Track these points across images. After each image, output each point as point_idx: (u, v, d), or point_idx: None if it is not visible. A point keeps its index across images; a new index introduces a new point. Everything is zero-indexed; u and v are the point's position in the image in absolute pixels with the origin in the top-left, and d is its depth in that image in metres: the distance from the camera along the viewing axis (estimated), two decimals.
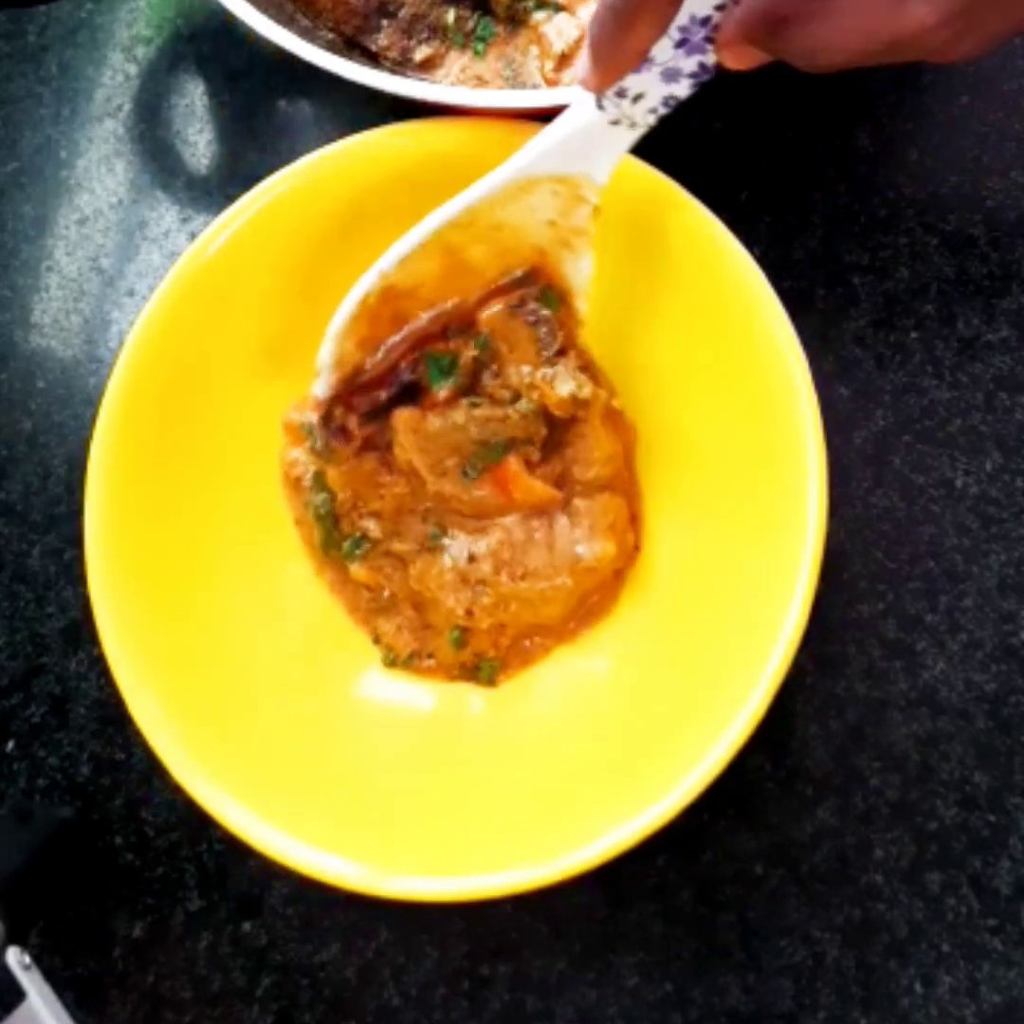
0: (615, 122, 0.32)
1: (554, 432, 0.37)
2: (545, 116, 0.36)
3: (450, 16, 0.43)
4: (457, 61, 0.43)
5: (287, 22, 0.38)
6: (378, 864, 0.32)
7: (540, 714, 0.37)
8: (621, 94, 0.32)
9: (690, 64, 0.31)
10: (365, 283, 0.35)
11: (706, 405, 0.37)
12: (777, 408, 0.34)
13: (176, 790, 0.33)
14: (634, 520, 0.38)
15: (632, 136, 0.33)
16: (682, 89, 0.31)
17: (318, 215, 0.38)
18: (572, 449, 0.37)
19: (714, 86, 0.37)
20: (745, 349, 0.35)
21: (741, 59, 0.30)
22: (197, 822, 0.38)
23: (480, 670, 0.37)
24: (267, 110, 0.47)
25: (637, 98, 0.32)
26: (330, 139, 0.37)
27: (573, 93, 0.33)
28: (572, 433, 0.37)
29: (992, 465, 0.40)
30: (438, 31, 0.43)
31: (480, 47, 0.42)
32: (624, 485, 0.38)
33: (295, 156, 0.37)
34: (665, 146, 0.36)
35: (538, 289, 0.36)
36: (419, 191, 0.38)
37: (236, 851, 0.36)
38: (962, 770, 0.37)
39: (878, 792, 0.37)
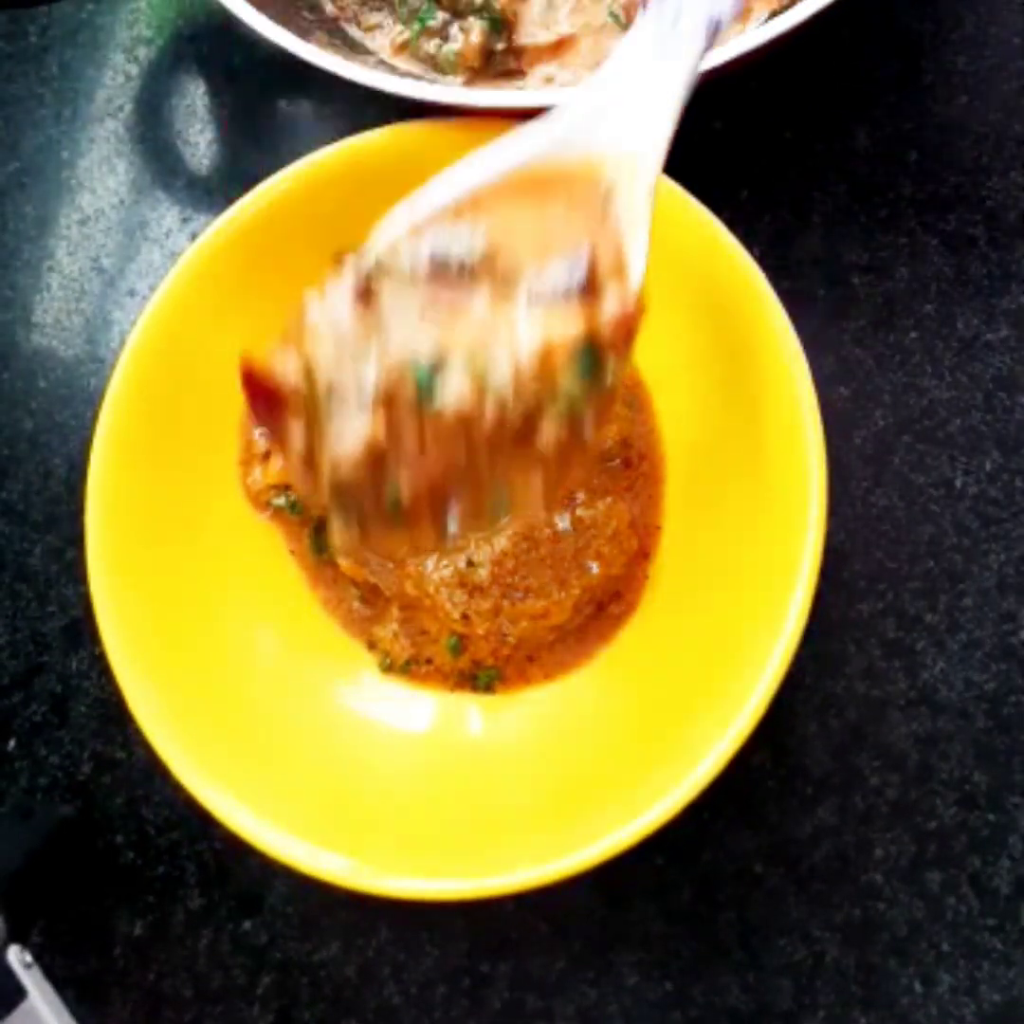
0: (658, 55, 0.29)
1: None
2: None
3: None
4: (390, 34, 0.44)
5: (287, 22, 0.38)
6: (378, 863, 0.32)
7: (540, 714, 0.37)
8: (659, 8, 0.29)
9: None
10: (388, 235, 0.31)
11: (705, 405, 0.37)
12: (777, 408, 0.34)
13: (177, 789, 0.33)
14: (634, 524, 0.38)
15: (679, 79, 0.29)
16: (726, 3, 0.28)
17: (318, 215, 0.38)
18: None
19: (714, 86, 0.37)
20: (745, 349, 0.35)
21: None
22: (198, 821, 0.38)
23: (478, 678, 0.37)
24: (267, 110, 0.47)
25: (676, 18, 0.29)
26: (330, 139, 0.37)
27: (572, 93, 0.33)
28: None
29: (992, 465, 0.40)
30: (389, 2, 0.44)
31: (417, 28, 0.43)
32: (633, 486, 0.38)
33: (295, 156, 0.37)
34: None
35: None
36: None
37: (236, 850, 0.36)
38: (962, 770, 0.37)
39: (878, 791, 0.37)
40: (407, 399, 0.27)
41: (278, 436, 0.30)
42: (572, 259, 0.29)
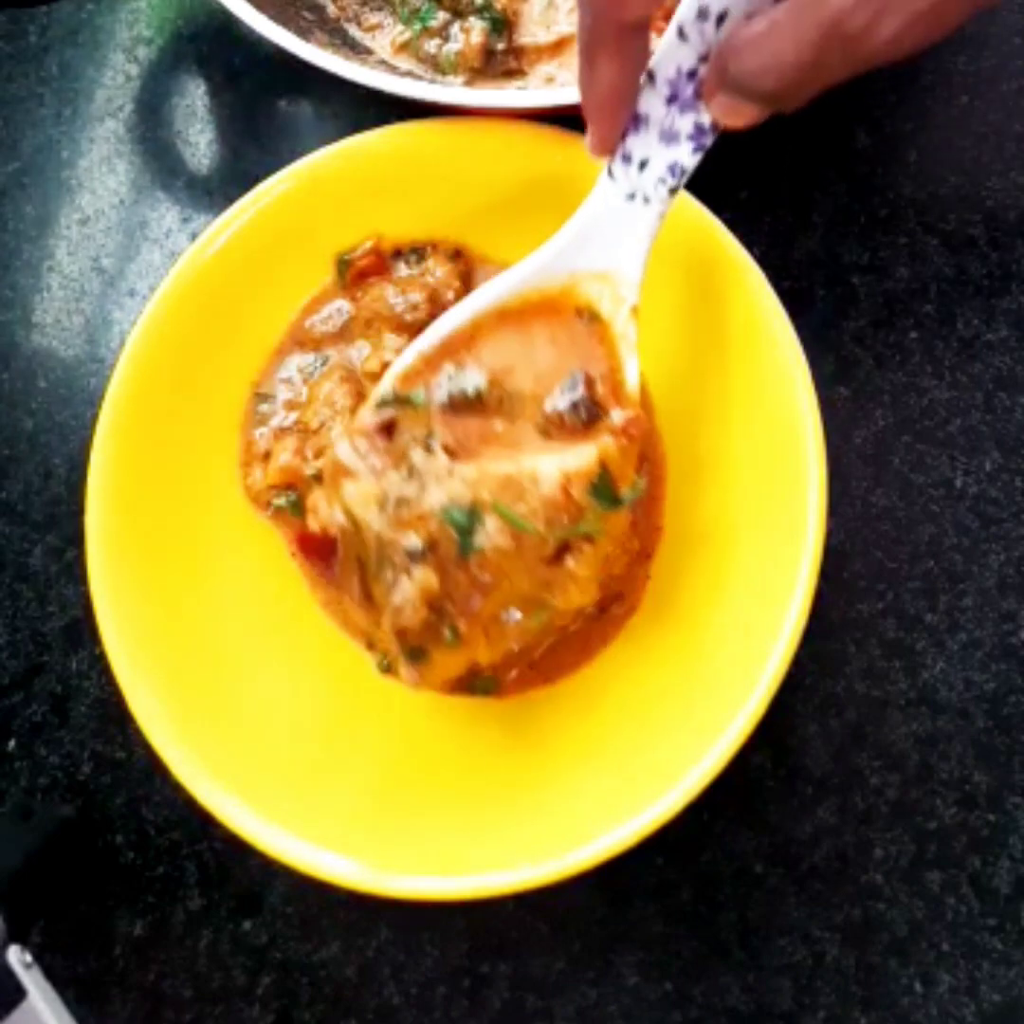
0: (631, 196, 0.32)
1: None
2: (545, 116, 0.36)
3: None
4: (391, 34, 0.44)
5: (287, 22, 0.38)
6: (378, 863, 0.32)
7: (540, 714, 0.37)
8: (626, 159, 0.32)
9: (686, 124, 0.31)
10: (401, 362, 0.35)
11: (705, 404, 0.37)
12: (777, 408, 0.34)
13: (177, 789, 0.33)
14: (636, 524, 0.38)
15: (651, 217, 0.32)
16: (685, 155, 0.31)
17: (318, 215, 0.38)
18: None
19: None
20: (745, 349, 0.35)
21: (729, 112, 0.29)
22: (198, 821, 0.38)
23: (476, 686, 0.37)
24: (267, 110, 0.47)
25: (643, 165, 0.32)
26: (330, 139, 0.37)
27: (572, 92, 0.33)
28: None
29: (992, 465, 0.40)
30: (390, 2, 0.44)
31: (417, 28, 0.43)
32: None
33: (295, 156, 0.37)
34: None
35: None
36: (419, 191, 0.38)
37: (236, 850, 0.36)
38: (962, 770, 0.37)
39: (878, 791, 0.37)
40: (450, 548, 0.32)
41: (336, 580, 0.35)
42: (570, 387, 0.33)
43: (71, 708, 0.41)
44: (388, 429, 0.34)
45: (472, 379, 0.34)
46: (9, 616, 0.42)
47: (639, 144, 0.31)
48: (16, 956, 0.33)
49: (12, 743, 0.41)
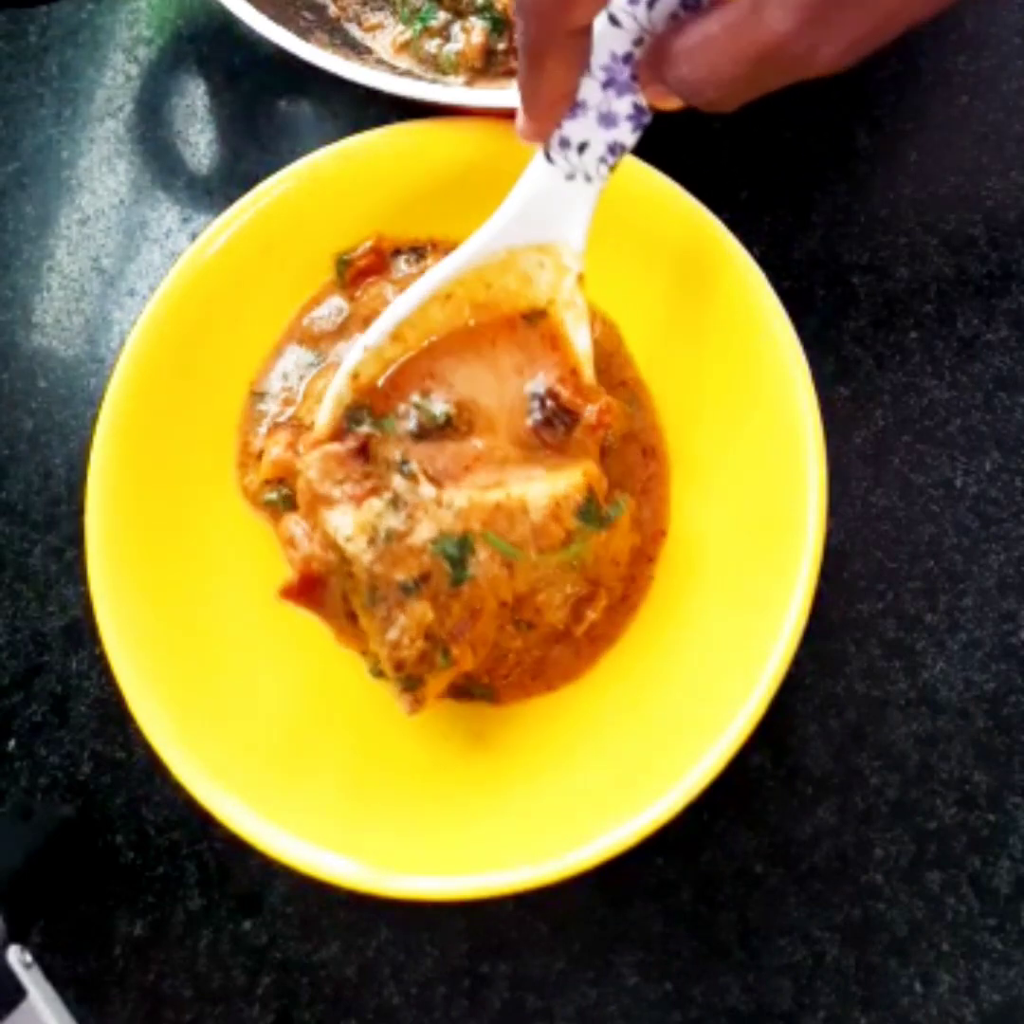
0: (570, 177, 0.32)
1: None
2: None
3: None
4: (391, 34, 0.44)
5: (287, 22, 0.38)
6: (378, 863, 0.32)
7: (539, 713, 0.37)
8: (565, 144, 0.32)
9: (624, 106, 0.31)
10: (351, 359, 0.35)
11: (705, 405, 0.37)
12: (777, 408, 0.34)
13: (177, 789, 0.33)
14: (638, 524, 0.38)
15: (592, 192, 0.33)
16: (624, 134, 0.31)
17: (318, 215, 0.38)
18: None
19: None
20: (745, 349, 0.35)
21: (659, 98, 0.30)
22: (198, 821, 0.38)
23: (474, 693, 0.37)
24: (267, 110, 0.47)
25: (582, 147, 0.32)
26: (330, 139, 0.37)
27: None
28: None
29: (992, 465, 0.40)
30: (391, 2, 0.44)
31: (418, 27, 0.43)
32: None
33: (295, 156, 0.37)
34: (665, 146, 0.36)
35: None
36: (419, 191, 0.38)
37: (236, 850, 0.36)
38: (962, 770, 0.37)
39: (878, 792, 0.37)
40: (442, 579, 0.32)
41: (321, 610, 0.35)
42: (537, 407, 0.34)
43: (71, 708, 0.41)
44: (362, 450, 0.34)
45: (439, 406, 0.34)
46: (9, 616, 0.42)
47: (577, 129, 0.31)
48: (16, 956, 0.33)
49: (12, 743, 0.41)
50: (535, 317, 0.35)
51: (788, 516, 0.33)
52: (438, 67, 0.43)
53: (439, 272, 0.34)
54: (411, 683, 0.33)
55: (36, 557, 0.43)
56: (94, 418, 0.36)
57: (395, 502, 0.33)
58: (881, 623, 0.39)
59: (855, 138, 0.43)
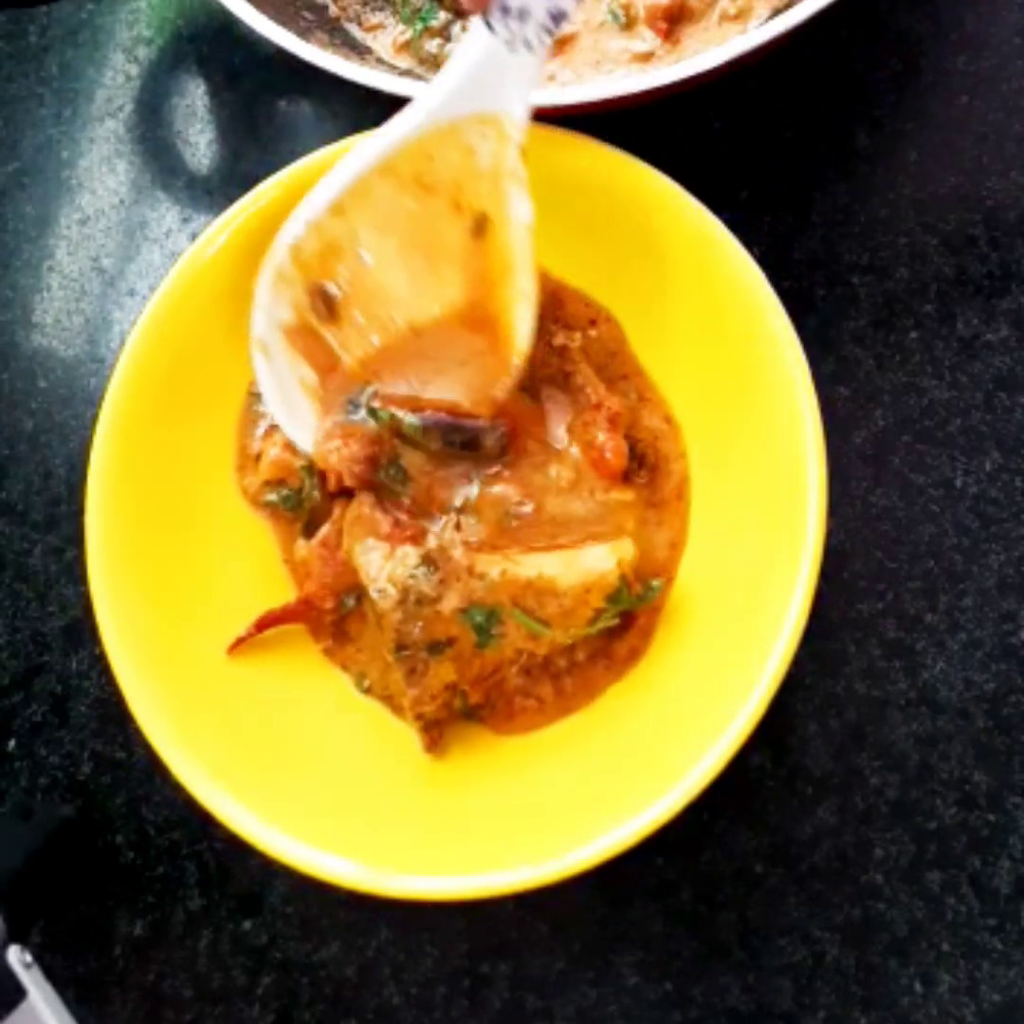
0: (511, 45, 0.32)
1: None
2: (546, 116, 0.36)
3: None
4: (392, 34, 0.44)
5: (287, 22, 0.38)
6: (378, 863, 0.32)
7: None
8: (505, 11, 0.31)
9: None
10: (291, 232, 0.35)
11: (705, 405, 0.37)
12: (777, 408, 0.34)
13: (177, 789, 0.33)
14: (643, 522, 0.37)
15: (534, 62, 0.32)
16: (565, 0, 0.31)
17: None
18: None
19: (714, 85, 0.37)
20: (745, 349, 0.35)
21: None
22: (198, 821, 0.38)
23: (467, 712, 0.36)
24: (267, 110, 0.47)
25: (522, 15, 0.31)
26: (330, 139, 0.37)
27: (573, 92, 0.33)
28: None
29: (992, 465, 0.40)
30: (392, 2, 0.44)
31: (419, 27, 0.43)
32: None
33: (295, 156, 0.37)
34: (665, 146, 0.36)
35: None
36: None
37: (236, 850, 0.36)
38: (962, 770, 0.37)
39: (878, 791, 0.37)
40: (467, 643, 0.33)
41: (311, 628, 0.37)
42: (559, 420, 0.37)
43: (71, 708, 0.41)
44: (372, 459, 0.36)
45: (411, 421, 0.35)
46: (9, 616, 0.42)
47: None
48: (16, 956, 0.33)
49: (12, 743, 0.41)
50: (480, 228, 0.34)
51: (788, 516, 0.33)
52: (438, 67, 0.43)
53: (379, 142, 0.34)
54: (430, 727, 0.35)
55: (36, 557, 0.43)
56: (94, 418, 0.36)
57: (428, 559, 0.33)
58: (881, 623, 0.39)
59: (855, 138, 0.43)
